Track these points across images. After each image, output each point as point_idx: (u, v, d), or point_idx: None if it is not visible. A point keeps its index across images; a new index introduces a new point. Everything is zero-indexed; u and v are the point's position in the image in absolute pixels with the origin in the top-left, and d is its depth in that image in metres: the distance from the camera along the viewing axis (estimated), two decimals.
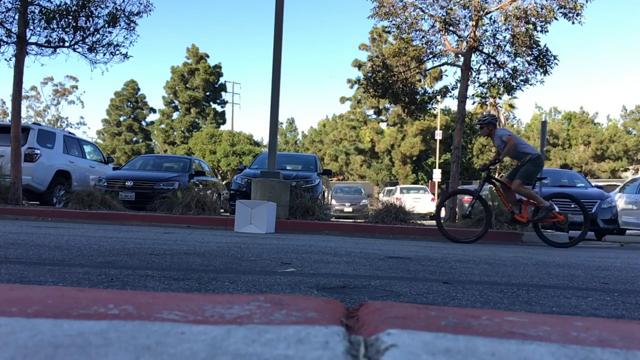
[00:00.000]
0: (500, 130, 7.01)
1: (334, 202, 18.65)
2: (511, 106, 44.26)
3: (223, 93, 48.54)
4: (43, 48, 9.96)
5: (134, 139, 49.69)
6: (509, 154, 7.02)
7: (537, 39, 10.58)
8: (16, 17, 9.57)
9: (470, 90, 11.59)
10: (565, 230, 7.38)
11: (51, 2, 9.83)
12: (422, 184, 36.63)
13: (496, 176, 40.18)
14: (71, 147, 11.87)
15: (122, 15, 10.08)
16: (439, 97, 12.89)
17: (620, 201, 11.98)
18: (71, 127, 41.06)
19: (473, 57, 11.08)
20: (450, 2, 10.86)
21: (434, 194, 29.06)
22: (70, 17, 9.72)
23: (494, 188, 7.41)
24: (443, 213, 11.00)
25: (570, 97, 79.40)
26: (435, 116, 35.66)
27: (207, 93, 47.74)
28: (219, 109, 49.08)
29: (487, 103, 14.11)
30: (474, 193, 7.19)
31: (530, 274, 3.44)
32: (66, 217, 8.39)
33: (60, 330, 0.81)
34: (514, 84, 11.18)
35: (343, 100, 45.22)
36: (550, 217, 6.92)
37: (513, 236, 7.96)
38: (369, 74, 12.16)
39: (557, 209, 7.03)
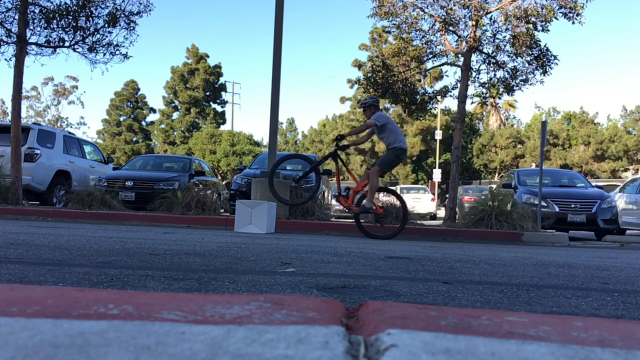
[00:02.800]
0: (378, 113, 7.03)
1: (334, 202, 18.62)
2: (511, 106, 44.27)
3: (223, 93, 48.56)
4: (43, 48, 9.96)
5: (134, 139, 49.69)
6: (377, 136, 7.04)
7: (537, 38, 10.57)
8: (16, 17, 9.57)
9: (470, 90, 11.59)
10: (382, 223, 7.46)
11: (51, 2, 9.83)
12: (422, 184, 36.62)
13: (496, 177, 40.18)
14: (71, 147, 11.87)
15: (122, 15, 10.08)
16: (439, 97, 12.88)
17: (620, 201, 11.98)
18: (71, 127, 41.05)
19: (473, 57, 11.07)
20: (450, 2, 10.85)
21: (434, 194, 29.05)
22: (70, 17, 9.71)
23: (334, 165, 7.28)
24: (442, 212, 10.97)
25: (570, 97, 79.43)
26: (435, 116, 35.66)
27: (207, 93, 47.74)
28: (219, 109, 49.11)
29: (487, 103, 14.09)
30: (312, 163, 7.30)
31: (530, 274, 3.43)
32: (66, 217, 8.39)
33: (60, 330, 0.81)
34: (513, 84, 11.17)
35: (343, 100, 45.21)
36: (371, 212, 7.10)
37: (513, 236, 7.97)
38: (369, 74, 12.16)
39: (372, 208, 6.98)
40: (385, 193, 7.92)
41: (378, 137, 7.05)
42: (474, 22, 10.63)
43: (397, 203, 8.16)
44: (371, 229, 7.35)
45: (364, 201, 6.92)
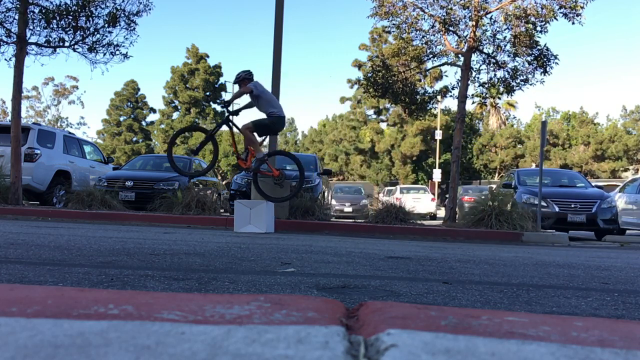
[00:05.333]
0: (254, 82, 7.49)
1: (334, 202, 18.63)
2: (511, 106, 44.26)
3: (223, 93, 48.49)
4: (43, 48, 9.96)
5: (134, 139, 49.67)
6: (253, 104, 7.58)
7: (537, 38, 10.58)
8: (16, 17, 9.57)
9: (470, 90, 11.58)
10: (281, 185, 7.90)
11: (51, 2, 9.83)
12: (422, 184, 36.60)
13: (496, 177, 40.19)
14: (71, 147, 11.87)
15: (122, 15, 10.08)
16: (439, 97, 12.89)
17: (620, 201, 11.98)
18: (71, 127, 41.05)
19: (473, 57, 11.07)
20: (450, 2, 10.85)
21: (434, 194, 29.05)
22: (70, 17, 9.71)
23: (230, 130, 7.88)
24: (442, 212, 10.97)
25: (570, 97, 79.38)
26: (435, 116, 35.65)
27: (207, 93, 47.72)
28: (219, 109, 49.05)
29: (487, 103, 14.09)
30: (208, 132, 7.73)
31: (530, 274, 3.43)
32: (66, 217, 8.38)
33: (60, 330, 0.81)
34: (514, 84, 11.17)
35: (343, 100, 45.21)
36: (265, 170, 7.64)
37: (513, 236, 7.97)
38: (369, 74, 12.16)
39: (264, 156, 7.53)
40: (278, 155, 8.45)
41: (257, 107, 7.55)
42: (474, 22, 10.63)
43: (395, 202, 8.24)
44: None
45: (257, 155, 7.50)
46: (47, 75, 42.53)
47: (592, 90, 75.72)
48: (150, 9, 10.39)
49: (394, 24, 11.46)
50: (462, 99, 10.84)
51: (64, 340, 0.77)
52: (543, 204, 9.79)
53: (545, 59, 10.66)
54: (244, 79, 7.49)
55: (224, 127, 8.16)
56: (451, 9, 10.84)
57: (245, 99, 7.74)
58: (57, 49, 10.03)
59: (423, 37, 11.46)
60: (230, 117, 7.64)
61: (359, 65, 39.27)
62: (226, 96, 44.28)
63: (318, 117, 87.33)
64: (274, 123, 7.38)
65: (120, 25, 10.14)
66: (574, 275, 3.48)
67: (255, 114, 7.95)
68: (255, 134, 7.49)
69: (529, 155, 41.27)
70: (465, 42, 11.01)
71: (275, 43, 9.06)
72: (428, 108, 12.88)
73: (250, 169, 7.49)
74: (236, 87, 7.74)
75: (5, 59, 10.03)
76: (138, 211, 9.34)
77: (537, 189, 9.64)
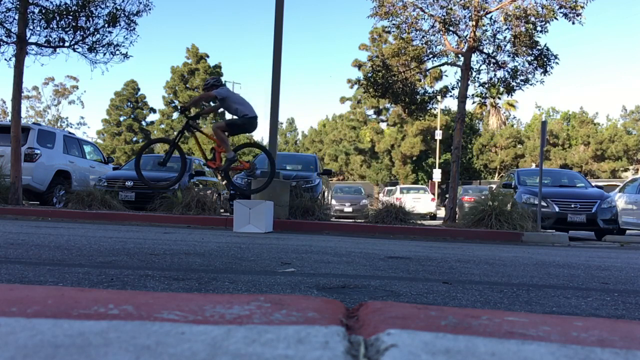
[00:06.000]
0: (219, 88, 7.61)
1: (334, 202, 18.63)
2: (511, 106, 44.26)
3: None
4: (43, 48, 9.96)
5: (134, 139, 49.66)
6: (219, 108, 7.84)
7: (537, 38, 10.58)
8: (16, 17, 9.57)
9: (470, 90, 11.59)
10: (254, 176, 8.10)
11: (51, 2, 9.83)
12: (422, 184, 36.60)
13: (496, 177, 40.19)
14: (71, 147, 11.87)
15: (122, 15, 10.08)
16: (439, 97, 12.89)
17: (620, 201, 11.98)
18: (71, 127, 41.08)
19: (473, 57, 11.07)
20: (450, 2, 10.85)
21: (434, 194, 29.04)
22: (70, 17, 9.71)
23: (192, 136, 7.91)
24: (442, 212, 10.97)
25: (570, 97, 79.39)
26: (435, 116, 35.65)
27: None
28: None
29: (487, 103, 14.10)
30: (171, 142, 7.73)
31: (530, 274, 3.43)
32: (66, 217, 8.38)
33: (60, 330, 0.81)
34: (514, 84, 11.18)
35: (343, 100, 45.21)
36: (237, 166, 7.71)
37: (513, 236, 7.97)
38: (369, 74, 12.16)
39: (234, 157, 7.58)
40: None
41: (228, 111, 7.69)
42: (474, 22, 10.63)
43: (395, 202, 8.28)
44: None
45: (227, 155, 7.56)
46: (47, 75, 42.57)
47: (592, 90, 75.77)
48: (150, 9, 10.40)
49: (394, 24, 11.46)
50: (462, 99, 10.84)
51: (64, 340, 0.77)
52: (543, 204, 9.79)
53: (545, 59, 10.67)
54: (212, 85, 7.61)
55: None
56: (451, 9, 10.84)
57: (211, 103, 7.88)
58: (57, 49, 10.03)
59: (423, 37, 11.47)
60: (191, 122, 7.71)
61: (359, 65, 39.27)
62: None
63: (318, 117, 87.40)
64: (246, 124, 7.54)
65: (120, 25, 10.15)
66: (574, 275, 3.48)
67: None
68: (226, 133, 7.62)
69: (529, 155, 41.28)
70: (465, 42, 11.01)
71: (275, 43, 9.06)
72: (428, 108, 12.88)
73: (220, 168, 7.59)
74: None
75: (5, 59, 10.04)
76: (138, 211, 9.34)
77: (537, 189, 9.64)
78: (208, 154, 7.89)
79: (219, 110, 7.89)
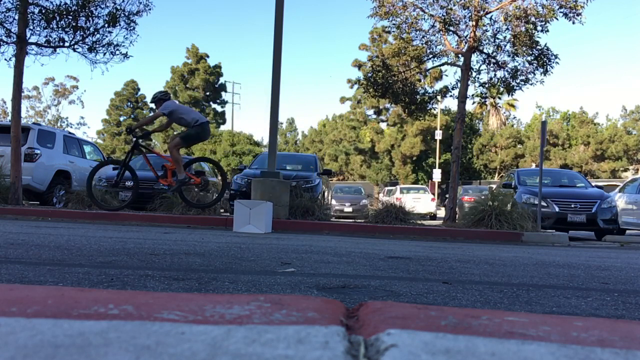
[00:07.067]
0: (165, 104, 7.57)
1: (334, 202, 18.63)
2: (511, 106, 44.26)
3: (223, 93, 48.55)
4: (43, 48, 9.96)
5: (134, 138, 49.65)
6: (172, 123, 7.83)
7: (538, 38, 10.58)
8: (16, 17, 9.57)
9: (471, 90, 11.59)
10: (207, 191, 8.05)
11: (51, 2, 9.83)
12: (422, 184, 36.60)
13: (496, 177, 40.19)
14: (71, 147, 11.87)
15: (122, 15, 10.08)
16: (439, 97, 12.89)
17: (620, 201, 11.98)
18: (71, 127, 41.06)
19: (473, 57, 11.07)
20: (450, 2, 10.85)
21: (434, 194, 29.04)
22: (70, 17, 9.71)
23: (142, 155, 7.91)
24: (442, 212, 10.96)
25: (570, 97, 79.37)
26: (435, 116, 35.64)
27: (207, 93, 47.73)
28: (219, 109, 49.08)
29: (487, 103, 14.10)
30: (121, 163, 7.75)
31: (530, 274, 3.43)
32: (66, 217, 8.38)
33: (60, 330, 0.81)
34: (514, 84, 11.17)
35: (343, 100, 45.20)
36: (188, 182, 7.69)
37: (513, 236, 7.97)
38: (369, 74, 12.16)
39: (190, 180, 7.64)
40: (199, 163, 8.45)
41: (179, 124, 7.67)
42: (474, 22, 10.63)
43: (395, 202, 8.25)
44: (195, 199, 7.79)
45: (178, 176, 7.54)
46: (47, 75, 42.57)
47: (592, 90, 75.75)
48: (150, 9, 10.40)
49: (394, 24, 11.46)
50: (462, 99, 10.84)
51: (64, 340, 0.77)
52: (543, 204, 9.79)
53: (545, 59, 10.67)
54: (160, 99, 7.61)
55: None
56: (451, 9, 10.84)
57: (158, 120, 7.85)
58: (57, 49, 10.03)
59: (423, 37, 11.47)
60: (140, 141, 7.71)
61: (359, 65, 39.27)
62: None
63: (318, 117, 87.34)
64: (199, 132, 7.52)
65: (120, 25, 10.14)
66: (574, 275, 3.48)
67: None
68: (181, 150, 7.64)
69: (529, 155, 41.27)
70: (465, 42, 11.01)
71: (275, 43, 9.06)
72: (428, 108, 12.89)
73: (172, 189, 7.50)
74: (154, 106, 7.80)
75: (5, 59, 10.04)
76: (138, 211, 9.33)
77: (537, 189, 9.64)
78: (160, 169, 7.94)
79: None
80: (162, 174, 7.67)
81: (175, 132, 8.04)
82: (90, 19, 9.91)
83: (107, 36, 10.15)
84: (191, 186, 7.74)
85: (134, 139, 7.67)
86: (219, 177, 12.87)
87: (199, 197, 7.97)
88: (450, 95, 12.47)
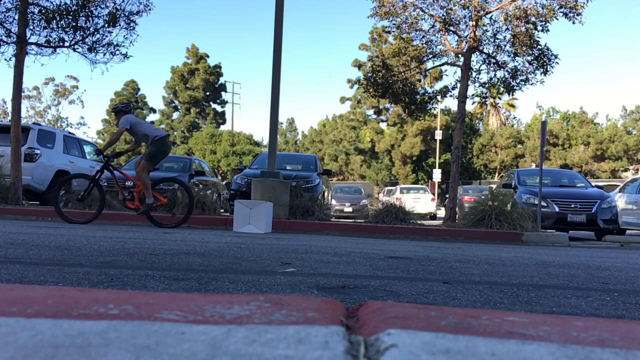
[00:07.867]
0: (124, 117, 7.34)
1: (334, 202, 18.63)
2: (511, 106, 44.26)
3: (223, 93, 48.54)
4: (43, 48, 9.96)
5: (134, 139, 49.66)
6: (139, 140, 7.59)
7: (538, 38, 10.58)
8: (16, 17, 9.57)
9: (471, 90, 11.59)
10: (172, 211, 7.65)
11: (51, 2, 9.84)
12: (422, 184, 36.59)
13: (496, 177, 40.17)
14: (71, 147, 11.87)
15: (122, 15, 10.08)
16: (439, 97, 12.89)
17: (620, 201, 11.98)
18: (71, 127, 41.04)
19: (473, 57, 11.07)
20: (450, 2, 10.85)
21: (434, 194, 29.03)
22: (70, 17, 9.72)
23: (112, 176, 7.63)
24: (442, 212, 10.96)
25: (570, 97, 79.34)
26: (435, 116, 35.64)
27: (207, 93, 47.73)
28: (219, 109, 49.08)
29: (487, 103, 14.10)
30: (91, 178, 7.51)
31: (530, 274, 3.43)
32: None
33: (60, 330, 0.81)
34: (514, 84, 11.17)
35: (343, 100, 45.22)
36: (157, 205, 7.43)
37: (513, 236, 7.97)
38: (369, 74, 12.16)
39: (153, 203, 7.31)
40: (166, 183, 8.19)
41: (141, 140, 7.52)
42: (474, 22, 10.63)
43: (395, 202, 8.21)
44: (163, 219, 7.58)
45: (146, 200, 7.29)
46: (47, 75, 42.58)
47: (592, 90, 75.72)
48: (150, 9, 10.40)
49: (394, 24, 11.46)
50: (462, 99, 10.84)
51: (64, 340, 0.77)
52: (543, 204, 9.79)
53: (545, 59, 10.67)
54: (120, 110, 7.50)
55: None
56: (451, 9, 10.84)
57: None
58: (57, 49, 10.04)
59: (423, 37, 11.47)
60: (109, 161, 7.56)
61: (359, 65, 39.28)
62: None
63: (318, 117, 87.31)
64: (161, 147, 7.35)
65: (120, 25, 10.15)
66: (574, 275, 3.48)
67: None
68: (149, 174, 7.41)
69: (529, 155, 41.26)
70: (465, 42, 11.01)
71: (275, 43, 9.06)
72: (428, 108, 12.89)
73: (139, 211, 7.32)
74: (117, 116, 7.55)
75: (5, 59, 10.05)
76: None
77: (537, 189, 9.64)
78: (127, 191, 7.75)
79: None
80: (130, 198, 7.51)
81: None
82: (90, 19, 9.91)
83: (107, 36, 10.16)
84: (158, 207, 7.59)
85: (105, 159, 7.54)
86: (218, 178, 12.83)
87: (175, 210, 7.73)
88: (450, 95, 12.47)
